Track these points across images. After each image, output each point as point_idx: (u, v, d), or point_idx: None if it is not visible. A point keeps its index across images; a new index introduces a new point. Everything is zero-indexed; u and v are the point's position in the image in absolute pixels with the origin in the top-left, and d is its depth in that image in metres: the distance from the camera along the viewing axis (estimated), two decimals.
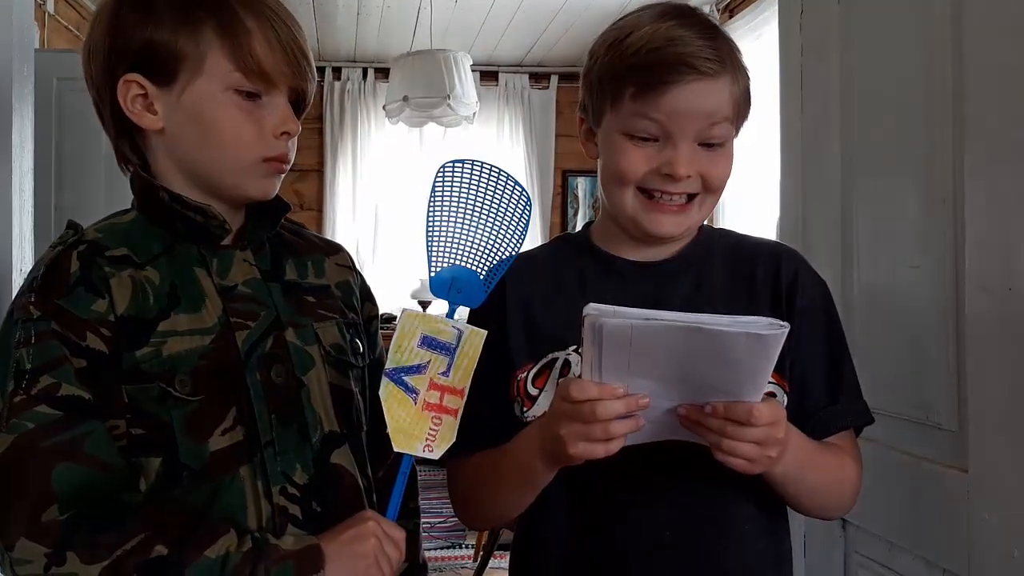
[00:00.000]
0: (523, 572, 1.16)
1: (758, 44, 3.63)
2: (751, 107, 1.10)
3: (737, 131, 1.10)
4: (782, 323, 0.85)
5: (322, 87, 5.46)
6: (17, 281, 1.53)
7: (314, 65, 1.09)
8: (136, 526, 0.92)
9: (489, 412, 1.07)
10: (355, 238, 5.24)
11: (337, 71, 5.47)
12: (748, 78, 1.09)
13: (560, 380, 1.05)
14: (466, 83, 3.45)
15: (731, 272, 1.13)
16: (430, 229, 1.04)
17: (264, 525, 1.00)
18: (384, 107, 3.61)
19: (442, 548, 3.83)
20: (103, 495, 0.93)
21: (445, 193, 1.04)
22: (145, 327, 0.98)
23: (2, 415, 0.92)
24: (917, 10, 1.32)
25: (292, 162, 1.08)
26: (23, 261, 1.60)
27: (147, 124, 1.03)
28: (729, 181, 1.10)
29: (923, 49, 1.30)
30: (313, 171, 5.46)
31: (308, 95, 1.09)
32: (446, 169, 1.04)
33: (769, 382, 1.04)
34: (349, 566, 0.98)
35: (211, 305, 1.02)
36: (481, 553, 3.02)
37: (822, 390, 1.10)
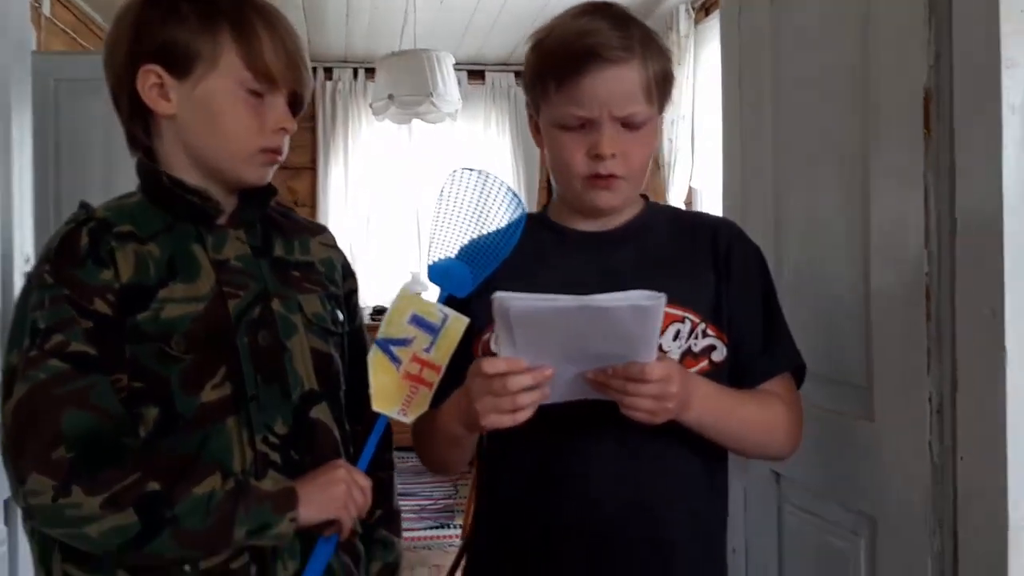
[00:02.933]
0: (490, 497, 1.29)
1: None
2: (671, 86, 1.22)
3: (660, 109, 1.22)
4: (659, 294, 0.98)
5: (314, 87, 5.60)
6: (18, 262, 1.61)
7: (311, 73, 1.23)
8: (133, 465, 1.03)
9: (450, 375, 1.18)
10: (348, 233, 5.37)
11: (328, 71, 5.61)
12: (666, 60, 1.20)
13: (476, 347, 1.18)
14: (449, 81, 3.59)
15: (674, 240, 1.25)
16: (435, 223, 1.19)
17: (247, 469, 1.10)
18: (370, 105, 3.75)
19: (431, 528, 3.98)
20: (105, 438, 1.04)
21: (452, 195, 1.20)
22: (146, 294, 1.10)
23: (20, 368, 1.04)
24: (831, 13, 1.46)
25: (285, 156, 1.21)
26: (23, 245, 1.67)
27: (161, 110, 1.15)
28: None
29: (836, 50, 1.44)
30: (306, 169, 5.60)
31: (304, 99, 1.22)
32: (456, 174, 1.20)
33: (708, 334, 1.19)
34: (320, 506, 1.11)
35: (205, 276, 1.14)
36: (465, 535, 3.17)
37: (757, 342, 1.23)
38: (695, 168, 4.37)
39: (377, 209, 5.52)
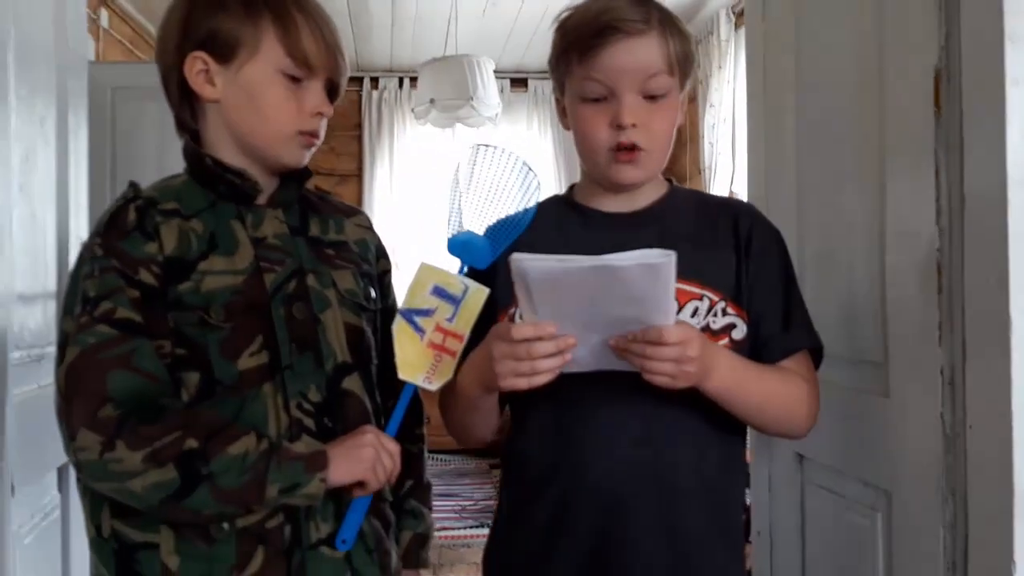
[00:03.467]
0: (511, 457, 1.34)
1: None
2: (691, 66, 1.25)
3: (682, 87, 1.25)
4: (669, 252, 1.01)
5: (360, 96, 5.72)
6: (74, 247, 1.68)
7: (347, 62, 1.29)
8: (173, 424, 1.09)
9: (474, 340, 1.22)
10: (393, 236, 5.47)
11: (375, 80, 5.74)
12: (686, 41, 1.24)
13: (501, 318, 1.22)
14: (489, 86, 3.67)
15: (696, 222, 1.29)
16: (453, 197, 1.24)
17: (282, 433, 1.16)
18: (413, 109, 3.84)
19: (471, 527, 4.04)
20: (148, 398, 1.10)
21: (468, 170, 1.24)
22: (187, 266, 1.16)
23: (71, 333, 1.12)
24: (850, 13, 1.50)
25: (322, 140, 1.27)
26: (79, 232, 1.74)
27: (207, 94, 1.22)
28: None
29: (852, 34, 1.48)
30: (352, 176, 5.73)
31: (340, 87, 1.29)
32: (477, 150, 1.24)
33: (728, 313, 1.22)
34: (348, 468, 1.15)
35: (244, 251, 1.20)
36: None
37: (775, 320, 1.26)
38: (736, 172, 4.38)
39: (421, 213, 5.61)
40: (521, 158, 1.25)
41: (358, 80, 5.76)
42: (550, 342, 1.07)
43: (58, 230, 1.60)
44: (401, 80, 5.71)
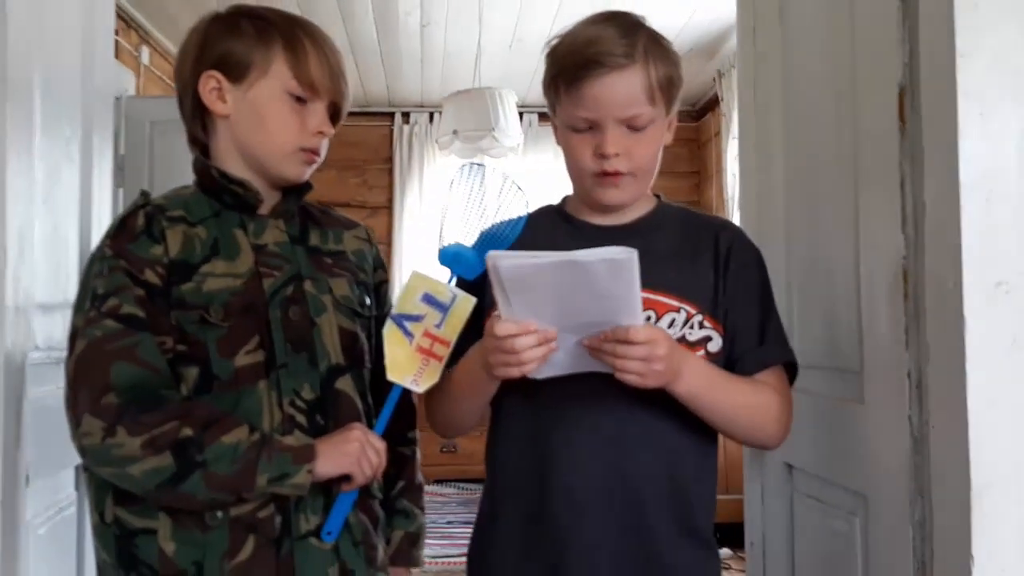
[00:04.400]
0: (490, 462, 1.39)
1: None
2: (677, 89, 1.30)
3: (668, 111, 1.31)
4: (631, 249, 1.07)
5: (392, 131, 5.87)
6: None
7: (350, 88, 1.38)
8: (172, 413, 1.16)
9: (462, 347, 1.29)
10: (421, 265, 5.55)
11: (405, 115, 5.88)
12: (672, 65, 1.29)
13: (486, 320, 1.28)
14: (510, 117, 3.76)
15: (679, 238, 1.34)
16: (444, 213, 1.31)
17: (275, 428, 1.23)
18: (436, 140, 3.95)
19: None
20: (149, 388, 1.17)
21: (460, 187, 1.31)
22: (190, 268, 1.24)
23: (81, 327, 1.20)
24: (824, 23, 1.57)
25: (323, 158, 1.36)
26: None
27: (218, 110, 1.31)
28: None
29: (830, 56, 1.54)
30: (383, 208, 5.85)
31: (342, 111, 1.38)
32: (462, 169, 1.32)
33: (705, 326, 1.27)
34: (335, 461, 1.22)
35: (245, 257, 1.28)
36: None
37: (752, 336, 1.31)
38: None
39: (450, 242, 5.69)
40: (509, 176, 1.33)
41: (389, 115, 5.91)
42: (531, 336, 1.13)
43: (80, 243, 1.71)
44: (431, 115, 5.84)
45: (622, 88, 1.25)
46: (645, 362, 1.13)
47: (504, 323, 1.14)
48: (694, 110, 6.03)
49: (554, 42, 1.33)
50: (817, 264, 1.61)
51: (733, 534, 2.34)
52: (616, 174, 1.27)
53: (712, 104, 5.59)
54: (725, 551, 3.82)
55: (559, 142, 1.36)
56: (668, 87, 1.29)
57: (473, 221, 1.32)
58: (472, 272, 1.29)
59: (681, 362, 1.19)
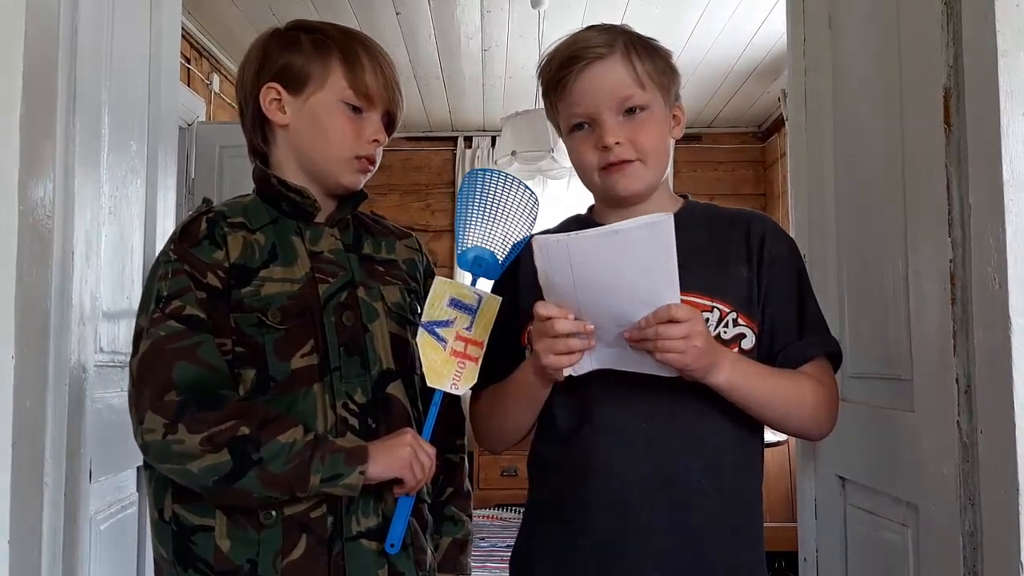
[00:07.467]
0: (532, 465, 1.40)
1: None
2: (669, 78, 1.31)
3: (666, 101, 1.31)
4: (666, 214, 1.08)
5: (454, 155, 5.95)
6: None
7: (403, 97, 1.42)
8: (230, 412, 1.19)
9: (500, 357, 1.32)
10: (481, 284, 5.58)
11: (468, 140, 5.95)
12: (658, 56, 1.30)
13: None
14: None
15: (709, 235, 1.33)
16: (459, 218, 1.34)
17: (328, 430, 1.25)
18: (495, 161, 3.99)
19: None
20: (209, 387, 1.21)
21: (471, 192, 1.35)
22: (250, 273, 1.28)
23: (145, 327, 1.24)
24: (873, 37, 1.56)
25: (377, 166, 1.40)
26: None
27: (278, 120, 1.36)
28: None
29: (878, 76, 1.54)
30: (446, 231, 5.91)
31: (397, 120, 1.42)
32: (474, 175, 1.35)
33: (739, 323, 1.27)
34: (386, 464, 1.24)
35: (301, 263, 1.32)
36: None
37: (791, 330, 1.30)
38: None
39: None
40: (519, 179, 1.36)
41: (452, 139, 6.00)
42: (570, 322, 1.14)
43: (145, 250, 1.79)
44: (493, 139, 5.90)
45: (607, 76, 1.27)
46: (686, 340, 1.13)
47: (545, 303, 1.16)
48: (760, 131, 5.98)
49: (542, 61, 1.36)
50: (868, 275, 1.59)
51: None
52: (621, 163, 1.28)
53: (778, 125, 5.54)
54: None
55: (569, 155, 1.37)
56: (658, 75, 1.30)
57: (487, 223, 1.34)
58: (493, 272, 1.31)
59: (718, 353, 1.19)
